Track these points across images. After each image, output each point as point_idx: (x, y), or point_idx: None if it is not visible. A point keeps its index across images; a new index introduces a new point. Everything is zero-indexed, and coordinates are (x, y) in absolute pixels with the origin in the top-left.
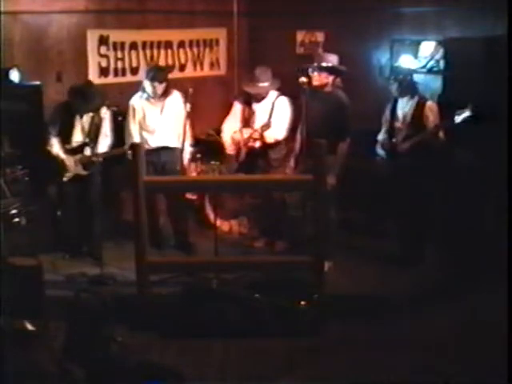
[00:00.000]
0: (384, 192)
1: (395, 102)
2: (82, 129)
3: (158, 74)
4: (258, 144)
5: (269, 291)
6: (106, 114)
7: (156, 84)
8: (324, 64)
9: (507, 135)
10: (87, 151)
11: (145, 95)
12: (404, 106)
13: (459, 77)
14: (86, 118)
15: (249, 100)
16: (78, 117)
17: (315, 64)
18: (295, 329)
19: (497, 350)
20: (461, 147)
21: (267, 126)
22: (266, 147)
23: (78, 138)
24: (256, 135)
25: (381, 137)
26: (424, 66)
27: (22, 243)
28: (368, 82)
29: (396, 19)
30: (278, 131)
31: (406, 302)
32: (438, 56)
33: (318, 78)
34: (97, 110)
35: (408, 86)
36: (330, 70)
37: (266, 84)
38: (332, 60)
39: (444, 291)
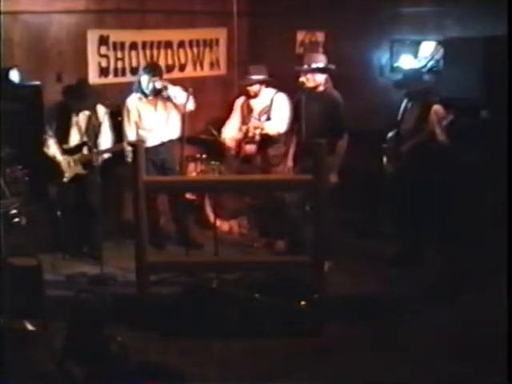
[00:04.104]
0: (384, 192)
1: (406, 104)
2: (79, 128)
3: (157, 70)
4: (257, 133)
5: (269, 291)
6: (104, 113)
7: (156, 79)
8: (315, 65)
9: (507, 135)
10: (85, 150)
11: (138, 95)
12: (412, 109)
13: (459, 77)
14: (83, 117)
15: (248, 99)
16: (74, 116)
17: (306, 66)
18: (295, 329)
19: (497, 350)
20: (460, 147)
21: (265, 112)
22: (266, 141)
23: (75, 137)
24: (255, 122)
25: (388, 138)
26: (424, 66)
27: (21, 243)
28: (368, 82)
29: (396, 19)
30: (279, 124)
31: (406, 302)
32: (438, 56)
33: (312, 80)
34: (92, 108)
35: (418, 89)
36: (322, 70)
37: (257, 77)
38: (321, 60)
39: (444, 291)
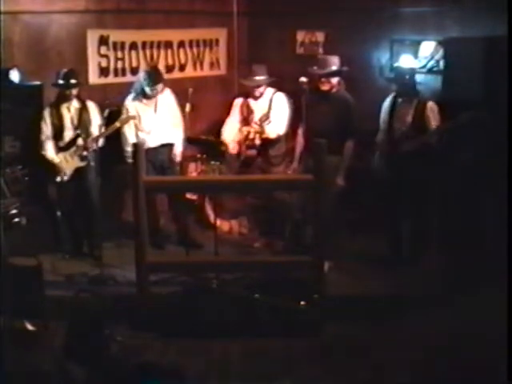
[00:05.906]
0: (384, 192)
1: (394, 101)
2: (72, 121)
3: (157, 77)
4: (258, 137)
5: (269, 291)
6: (93, 108)
7: (157, 87)
8: (329, 68)
9: (507, 135)
10: (80, 142)
11: (138, 96)
12: (404, 107)
13: (459, 77)
14: (74, 111)
15: (247, 99)
16: (65, 111)
17: (319, 69)
18: (295, 329)
19: (497, 350)
20: (460, 147)
21: (266, 117)
22: (267, 143)
23: (69, 133)
24: (256, 127)
25: (379, 137)
26: (424, 66)
27: (21, 243)
28: (368, 82)
29: (396, 19)
30: (278, 125)
31: (406, 302)
32: (438, 56)
33: (327, 83)
34: (82, 102)
35: (410, 86)
36: (337, 73)
37: (261, 77)
38: (336, 62)
39: (444, 291)
